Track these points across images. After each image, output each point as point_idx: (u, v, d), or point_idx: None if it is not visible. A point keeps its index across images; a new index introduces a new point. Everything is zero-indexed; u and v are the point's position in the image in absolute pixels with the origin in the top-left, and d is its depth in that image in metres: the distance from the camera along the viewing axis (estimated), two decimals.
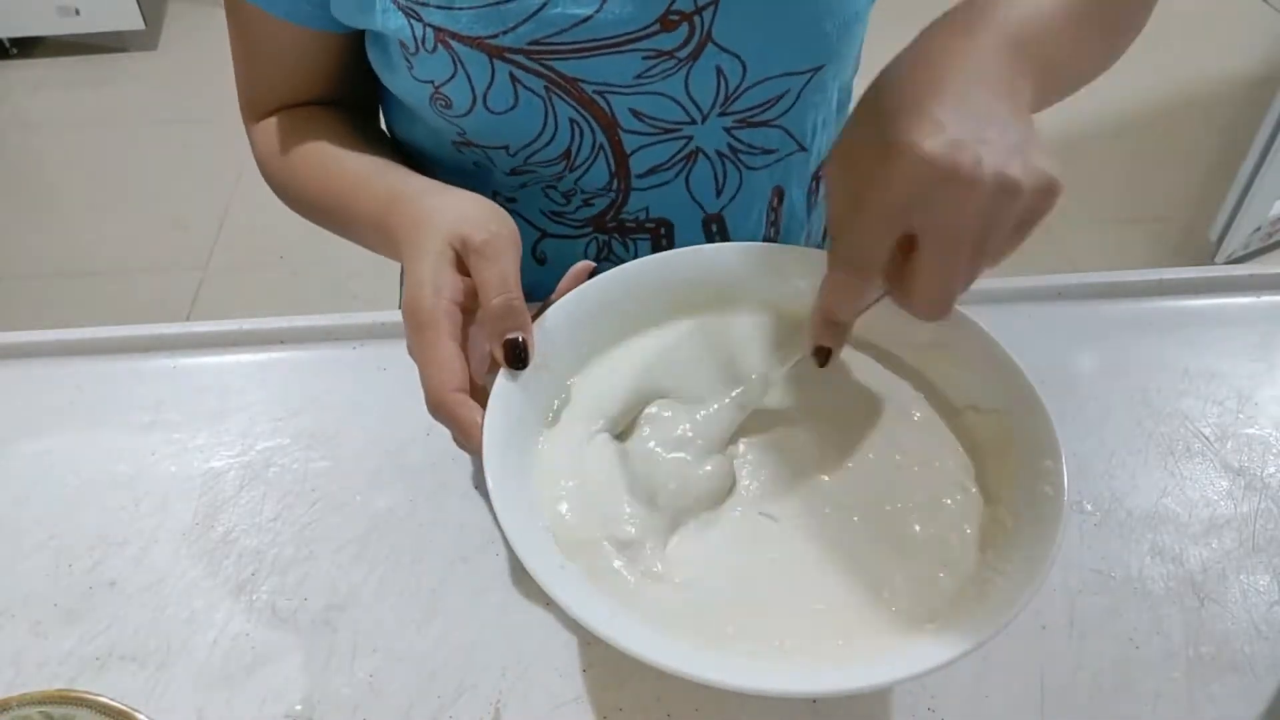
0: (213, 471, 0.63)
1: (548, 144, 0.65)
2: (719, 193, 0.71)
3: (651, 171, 0.68)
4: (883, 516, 0.51)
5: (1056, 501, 0.46)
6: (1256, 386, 0.66)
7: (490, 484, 0.46)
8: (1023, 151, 0.41)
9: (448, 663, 0.54)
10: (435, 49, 0.60)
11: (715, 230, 0.73)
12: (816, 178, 0.77)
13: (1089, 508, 0.60)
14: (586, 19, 0.59)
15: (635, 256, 0.71)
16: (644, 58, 0.61)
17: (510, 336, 0.50)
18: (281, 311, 0.71)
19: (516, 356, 0.50)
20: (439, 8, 0.58)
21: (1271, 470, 0.62)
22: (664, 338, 0.57)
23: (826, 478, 0.53)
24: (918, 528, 0.50)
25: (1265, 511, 0.60)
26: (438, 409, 0.49)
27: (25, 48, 2.62)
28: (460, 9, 0.58)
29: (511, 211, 0.73)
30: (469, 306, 0.51)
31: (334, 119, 0.70)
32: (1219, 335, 0.70)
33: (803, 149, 0.72)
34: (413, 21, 0.59)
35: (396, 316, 0.65)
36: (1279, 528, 0.59)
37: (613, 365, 0.56)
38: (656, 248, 0.73)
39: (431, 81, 0.62)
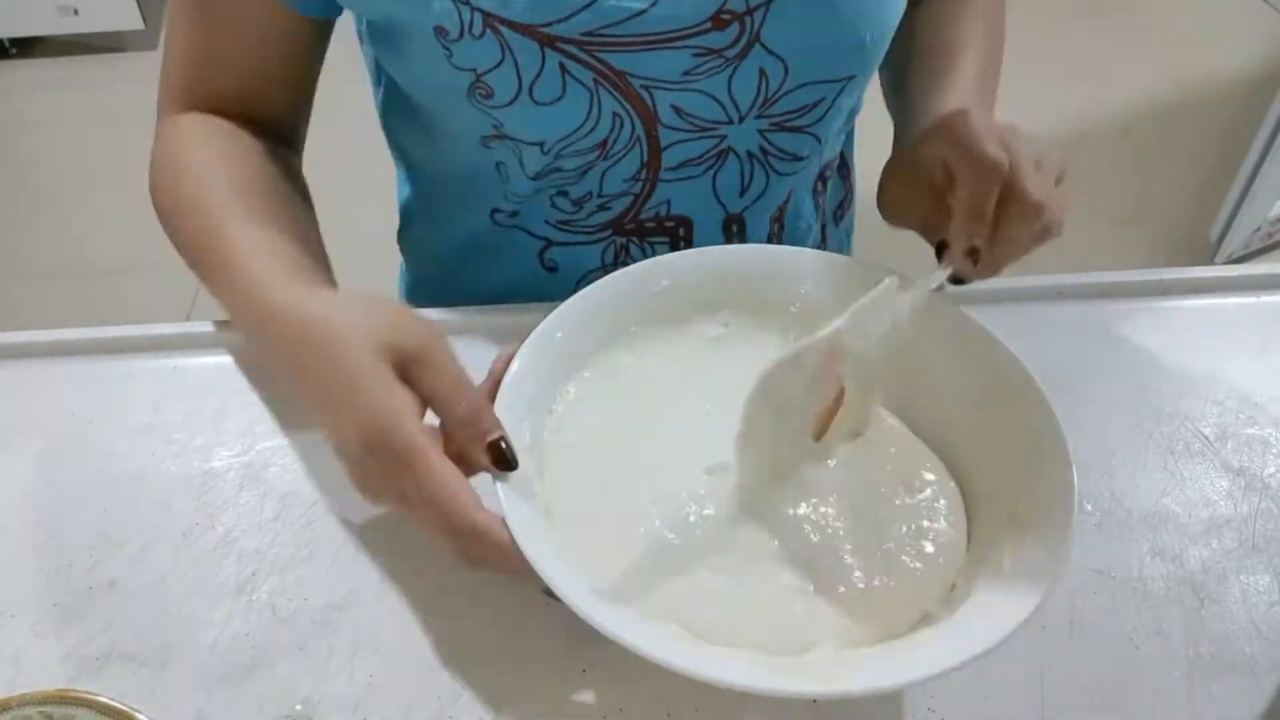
0: (213, 471, 0.63)
1: (587, 135, 0.64)
2: (742, 193, 0.71)
3: (681, 165, 0.68)
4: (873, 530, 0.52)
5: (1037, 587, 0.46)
6: (1256, 386, 0.66)
7: (566, 592, 0.45)
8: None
9: (448, 663, 0.54)
10: (483, 34, 0.59)
11: (735, 230, 0.73)
12: (822, 178, 0.77)
13: (1089, 508, 0.60)
14: (641, 12, 0.59)
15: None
16: (693, 55, 0.61)
17: (492, 439, 0.49)
18: None
19: (505, 459, 0.49)
20: None
21: (1271, 470, 0.62)
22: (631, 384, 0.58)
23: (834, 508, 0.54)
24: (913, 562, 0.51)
25: (1265, 511, 0.60)
26: (469, 534, 0.47)
27: (25, 48, 2.62)
28: None
29: (510, 225, 0.73)
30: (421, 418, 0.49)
31: (245, 150, 0.66)
32: (1219, 335, 0.70)
33: (820, 155, 0.72)
34: (460, 5, 0.58)
35: None
36: (1279, 528, 0.59)
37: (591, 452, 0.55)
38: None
39: (474, 69, 0.60)
